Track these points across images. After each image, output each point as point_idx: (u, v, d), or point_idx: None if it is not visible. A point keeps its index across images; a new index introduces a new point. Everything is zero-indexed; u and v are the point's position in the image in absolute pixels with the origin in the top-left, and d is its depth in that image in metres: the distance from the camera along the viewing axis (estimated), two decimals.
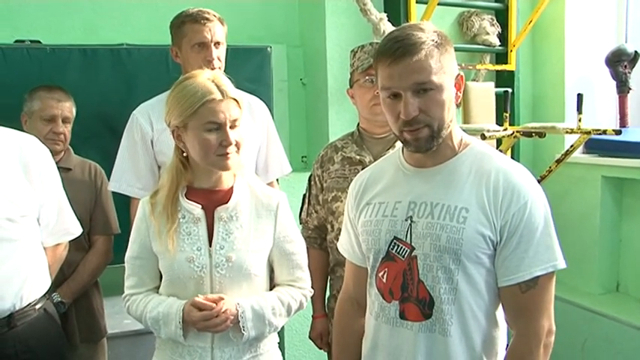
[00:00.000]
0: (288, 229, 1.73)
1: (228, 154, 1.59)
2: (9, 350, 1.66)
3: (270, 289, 1.75)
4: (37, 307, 1.75)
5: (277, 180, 2.56)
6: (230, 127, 1.59)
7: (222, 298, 1.58)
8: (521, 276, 1.35)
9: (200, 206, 1.64)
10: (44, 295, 1.79)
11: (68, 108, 2.36)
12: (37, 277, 1.76)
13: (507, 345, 1.45)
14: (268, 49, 2.97)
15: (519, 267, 1.35)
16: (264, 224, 1.69)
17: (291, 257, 1.73)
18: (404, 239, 1.43)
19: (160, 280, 1.71)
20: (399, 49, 1.34)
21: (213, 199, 1.66)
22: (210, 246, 1.63)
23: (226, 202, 1.66)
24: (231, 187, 1.68)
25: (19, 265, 1.68)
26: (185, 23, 2.20)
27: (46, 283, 1.81)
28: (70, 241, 1.98)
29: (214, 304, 1.56)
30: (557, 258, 1.37)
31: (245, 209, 1.67)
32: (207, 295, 1.59)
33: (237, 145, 1.61)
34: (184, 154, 1.66)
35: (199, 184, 1.67)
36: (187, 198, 1.66)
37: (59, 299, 2.23)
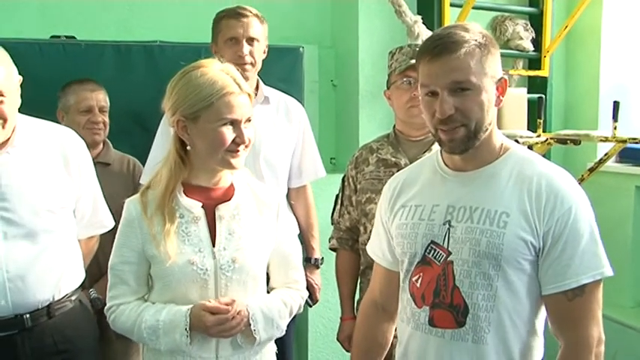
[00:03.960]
0: (287, 229, 1.69)
1: (238, 151, 1.53)
2: (47, 340, 1.69)
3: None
4: (73, 298, 1.77)
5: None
6: (244, 124, 1.53)
7: (234, 301, 1.51)
8: (568, 284, 1.32)
9: (200, 204, 1.55)
10: (79, 286, 1.81)
11: (102, 98, 2.39)
12: (73, 269, 1.78)
13: (543, 357, 1.42)
14: (300, 49, 2.96)
15: (565, 274, 1.32)
16: (267, 223, 1.63)
17: (289, 258, 1.69)
18: (441, 244, 1.40)
19: (148, 287, 1.61)
20: (438, 46, 1.33)
21: (212, 197, 1.58)
22: (213, 247, 1.54)
23: (227, 200, 1.58)
24: (231, 185, 1.61)
25: (57, 256, 1.71)
26: (222, 19, 2.23)
27: (81, 275, 1.84)
28: (107, 236, 2.00)
29: (229, 307, 1.49)
30: (604, 265, 1.33)
31: (247, 207, 1.60)
32: (219, 299, 1.52)
33: (249, 143, 1.55)
34: (184, 149, 1.57)
35: (197, 181, 1.58)
36: (185, 195, 1.56)
37: (96, 295, 2.24)
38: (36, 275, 1.64)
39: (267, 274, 1.69)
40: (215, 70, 1.53)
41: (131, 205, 1.58)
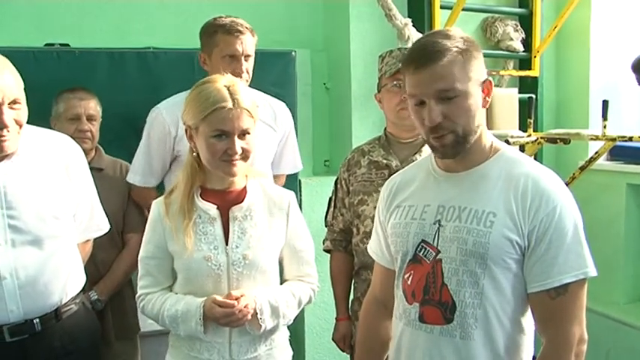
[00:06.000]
0: (298, 227, 1.80)
1: (233, 160, 1.63)
2: (56, 342, 1.73)
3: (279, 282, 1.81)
4: (77, 300, 1.81)
5: (299, 178, 2.59)
6: (238, 137, 1.62)
7: (243, 295, 1.63)
8: (550, 282, 1.34)
9: (215, 206, 1.69)
10: (82, 289, 1.85)
11: (92, 106, 2.40)
12: (76, 272, 1.82)
13: (534, 355, 1.44)
14: (293, 53, 2.99)
15: (549, 273, 1.34)
16: (277, 222, 1.75)
17: (300, 254, 1.80)
18: (431, 242, 1.44)
19: (173, 279, 1.75)
20: (422, 56, 1.37)
21: (227, 199, 1.71)
22: (226, 245, 1.67)
23: (240, 202, 1.71)
24: (244, 188, 1.74)
25: (63, 260, 1.75)
26: (217, 33, 2.21)
27: (83, 278, 1.88)
28: (104, 240, 2.03)
29: (236, 303, 1.60)
30: (587, 265, 1.35)
31: (258, 208, 1.73)
32: (231, 292, 1.64)
33: (246, 154, 1.65)
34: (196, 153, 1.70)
35: (212, 185, 1.72)
36: (202, 198, 1.70)
37: (96, 297, 2.27)
38: (45, 280, 1.68)
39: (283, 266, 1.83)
40: (218, 85, 1.63)
41: (156, 206, 1.74)
